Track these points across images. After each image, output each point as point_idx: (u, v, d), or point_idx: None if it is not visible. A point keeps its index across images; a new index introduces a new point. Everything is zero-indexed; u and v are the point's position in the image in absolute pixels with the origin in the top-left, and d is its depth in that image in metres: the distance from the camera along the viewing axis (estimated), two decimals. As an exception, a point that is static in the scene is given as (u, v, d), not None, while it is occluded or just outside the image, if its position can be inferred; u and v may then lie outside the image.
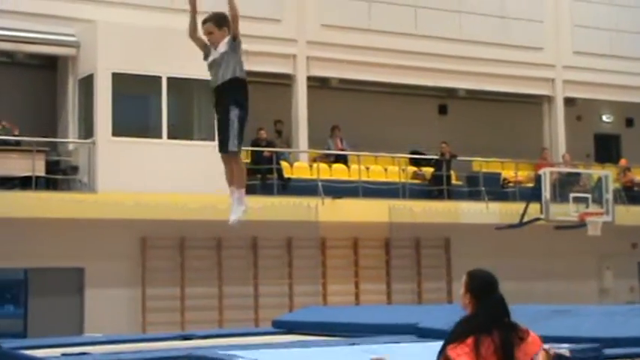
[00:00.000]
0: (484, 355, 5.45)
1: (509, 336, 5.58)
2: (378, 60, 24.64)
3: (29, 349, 7.81)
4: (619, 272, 26.25)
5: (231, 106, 8.71)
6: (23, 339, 16.65)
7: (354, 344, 9.16)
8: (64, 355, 9.31)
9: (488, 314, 5.60)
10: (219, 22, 8.76)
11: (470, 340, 5.48)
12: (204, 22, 8.84)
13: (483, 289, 5.68)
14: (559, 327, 9.34)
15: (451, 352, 5.46)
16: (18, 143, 20.12)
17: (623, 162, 28.02)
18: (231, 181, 9.06)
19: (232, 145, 8.69)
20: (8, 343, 9.65)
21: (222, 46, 8.71)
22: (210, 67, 8.87)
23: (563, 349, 6.77)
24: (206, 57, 8.91)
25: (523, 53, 26.79)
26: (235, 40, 8.67)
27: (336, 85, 25.20)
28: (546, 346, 6.24)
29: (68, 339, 12.47)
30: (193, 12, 8.79)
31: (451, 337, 5.55)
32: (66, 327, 18.79)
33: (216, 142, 20.99)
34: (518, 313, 10.81)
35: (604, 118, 30.67)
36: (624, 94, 28.50)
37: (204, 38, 8.85)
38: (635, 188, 27.10)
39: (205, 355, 6.73)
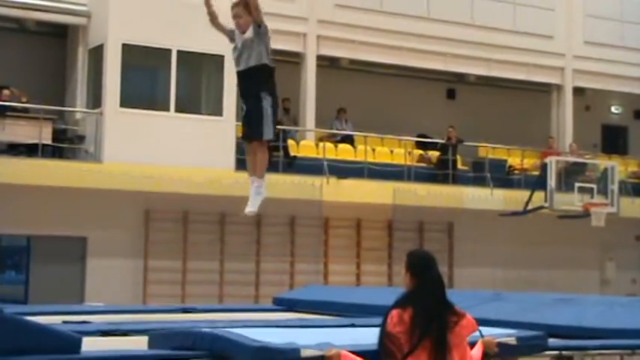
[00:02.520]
0: (415, 328, 5.65)
1: (443, 313, 5.77)
2: (389, 42, 24.61)
3: (30, 315, 7.82)
4: (621, 264, 26.24)
5: (263, 94, 8.65)
6: (24, 305, 16.69)
7: (353, 324, 9.18)
8: (64, 322, 9.34)
9: (425, 290, 5.80)
10: (248, 6, 8.59)
11: (405, 312, 5.70)
12: (233, 6, 8.68)
13: (421, 267, 5.91)
14: (558, 316, 9.36)
15: (389, 319, 5.72)
16: (26, 110, 20.11)
17: None
18: (253, 170, 8.94)
19: (268, 134, 8.58)
20: (8, 309, 9.67)
21: (249, 32, 8.59)
22: (236, 51, 8.73)
23: (510, 337, 6.81)
24: (232, 40, 8.75)
25: (534, 41, 26.73)
26: (260, 27, 8.55)
27: (345, 66, 25.18)
28: (483, 331, 6.36)
29: (69, 307, 12.50)
30: (208, 5, 8.74)
31: (391, 306, 5.79)
32: (67, 295, 18.84)
33: (223, 118, 20.90)
34: (519, 301, 10.83)
35: (612, 109, 30.61)
36: (634, 85, 28.44)
37: (225, 24, 8.75)
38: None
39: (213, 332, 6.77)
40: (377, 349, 5.82)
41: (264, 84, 8.71)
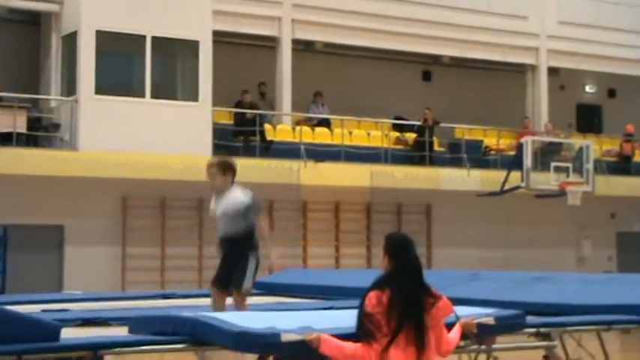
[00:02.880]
0: (393, 309, 5.72)
1: (420, 296, 5.84)
2: (364, 25, 24.56)
3: (8, 304, 7.81)
4: (597, 241, 26.41)
5: (250, 252, 9.05)
6: (1, 295, 16.62)
7: (332, 307, 9.20)
8: (43, 311, 9.32)
9: (402, 273, 5.86)
10: (224, 168, 9.16)
11: (383, 294, 5.77)
12: (209, 166, 9.23)
13: (398, 249, 5.98)
14: (537, 293, 9.41)
15: (367, 301, 5.78)
16: (-1, 99, 20.01)
17: (630, 128, 27.94)
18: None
19: (248, 285, 9.06)
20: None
21: (234, 201, 9.04)
22: (218, 218, 9.17)
23: (489, 317, 6.87)
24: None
25: (508, 21, 26.75)
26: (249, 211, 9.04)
27: (320, 49, 25.13)
28: (460, 311, 6.39)
29: (47, 295, 12.46)
30: None
31: (369, 288, 5.86)
32: (45, 284, 18.78)
33: (198, 103, 20.83)
34: (497, 280, 10.89)
35: (587, 88, 30.72)
36: (607, 64, 28.51)
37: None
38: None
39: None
40: (356, 330, 5.87)
41: (248, 246, 9.09)
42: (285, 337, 6.01)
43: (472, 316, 6.64)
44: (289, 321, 6.45)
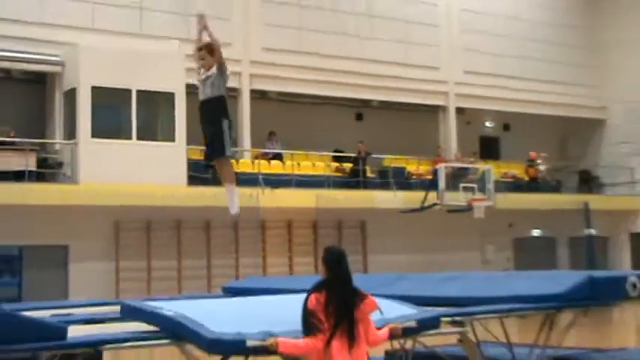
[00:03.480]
0: (329, 307, 5.88)
1: (351, 297, 5.98)
2: (308, 77, 24.71)
3: (23, 310, 7.73)
4: (498, 246, 26.63)
5: (223, 119, 8.76)
6: (18, 303, 16.40)
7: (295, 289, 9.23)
8: (53, 315, 9.23)
9: (336, 280, 6.00)
10: (211, 51, 8.88)
11: (321, 295, 5.92)
12: (198, 49, 8.96)
13: (333, 260, 6.08)
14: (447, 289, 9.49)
15: (309, 301, 5.92)
16: (13, 143, 19.80)
17: (532, 155, 28.32)
18: (224, 180, 9.17)
19: (229, 151, 8.82)
20: (6, 307, 9.53)
21: (213, 69, 8.79)
22: (200, 83, 8.92)
23: (410, 321, 6.94)
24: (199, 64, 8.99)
25: (423, 72, 27.04)
26: (222, 67, 8.79)
27: (274, 97, 25.20)
28: (390, 313, 6.48)
29: (56, 303, 12.33)
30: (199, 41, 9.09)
31: (309, 291, 6.01)
32: (53, 294, 18.57)
33: (175, 143, 20.68)
34: (419, 280, 10.93)
35: (487, 123, 31.05)
36: (503, 105, 28.89)
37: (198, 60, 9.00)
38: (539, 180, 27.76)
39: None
40: (302, 327, 5.94)
41: (222, 111, 8.82)
42: (250, 343, 6.04)
43: (398, 320, 6.73)
44: (255, 323, 6.42)
